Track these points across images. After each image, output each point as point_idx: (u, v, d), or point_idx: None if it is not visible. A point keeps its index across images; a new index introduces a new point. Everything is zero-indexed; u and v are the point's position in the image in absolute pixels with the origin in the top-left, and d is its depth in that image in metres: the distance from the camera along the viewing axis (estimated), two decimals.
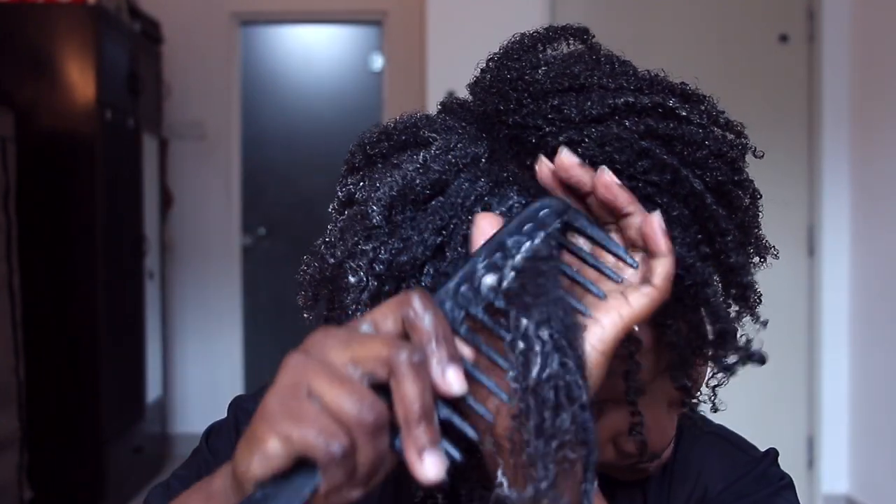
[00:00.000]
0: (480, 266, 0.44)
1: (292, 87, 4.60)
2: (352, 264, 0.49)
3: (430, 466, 0.38)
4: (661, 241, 0.45)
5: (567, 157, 0.46)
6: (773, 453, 0.69)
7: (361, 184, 0.53)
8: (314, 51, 4.65)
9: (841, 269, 3.03)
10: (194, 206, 4.27)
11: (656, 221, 0.45)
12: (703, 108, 0.52)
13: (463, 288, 0.43)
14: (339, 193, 0.55)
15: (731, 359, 0.52)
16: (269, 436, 0.38)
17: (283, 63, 4.62)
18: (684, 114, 0.51)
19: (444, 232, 0.48)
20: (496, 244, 0.44)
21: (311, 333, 0.42)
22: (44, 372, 2.96)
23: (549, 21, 2.77)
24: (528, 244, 0.44)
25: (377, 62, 4.52)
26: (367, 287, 0.48)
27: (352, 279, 0.49)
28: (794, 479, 0.68)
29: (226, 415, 0.70)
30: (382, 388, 0.39)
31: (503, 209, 0.48)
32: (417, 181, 0.49)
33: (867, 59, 2.95)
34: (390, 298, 0.42)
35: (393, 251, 0.48)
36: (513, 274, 0.43)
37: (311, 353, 0.40)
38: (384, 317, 0.41)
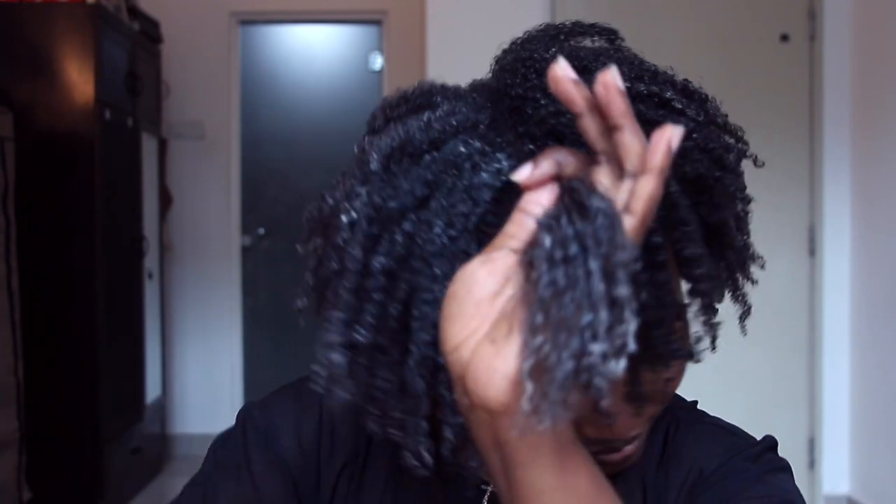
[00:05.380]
0: None
1: (292, 86, 4.59)
2: (346, 205, 0.52)
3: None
4: (656, 156, 0.40)
5: (561, 68, 0.42)
6: (770, 440, 0.69)
7: (373, 140, 0.57)
8: (314, 51, 4.64)
9: (841, 269, 3.02)
10: (194, 206, 4.27)
11: (668, 133, 0.40)
12: (702, 106, 0.53)
13: None
14: (355, 151, 0.58)
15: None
16: None
17: (283, 63, 4.62)
18: (679, 106, 0.52)
19: (431, 185, 0.51)
20: None
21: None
22: (43, 372, 2.95)
23: (549, 21, 2.76)
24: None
25: (377, 62, 4.52)
26: (357, 225, 0.51)
27: (343, 218, 0.51)
28: (794, 479, 0.67)
29: (234, 422, 0.71)
30: None
31: (491, 169, 0.51)
32: (417, 136, 0.52)
33: (867, 58, 2.95)
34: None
35: (384, 196, 0.51)
36: None
37: None
38: None
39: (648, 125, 0.49)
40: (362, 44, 4.61)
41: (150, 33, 3.76)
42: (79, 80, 3.05)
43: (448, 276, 0.48)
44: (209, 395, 4.23)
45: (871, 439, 2.92)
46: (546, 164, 0.45)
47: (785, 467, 0.66)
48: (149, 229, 3.66)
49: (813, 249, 3.05)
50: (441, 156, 0.52)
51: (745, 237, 0.58)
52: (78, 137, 3.06)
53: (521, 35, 0.60)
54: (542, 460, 0.42)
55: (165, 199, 4.00)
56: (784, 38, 3.05)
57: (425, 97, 0.56)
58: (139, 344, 3.57)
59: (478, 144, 0.52)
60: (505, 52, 0.59)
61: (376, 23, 4.49)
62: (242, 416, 0.70)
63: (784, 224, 3.01)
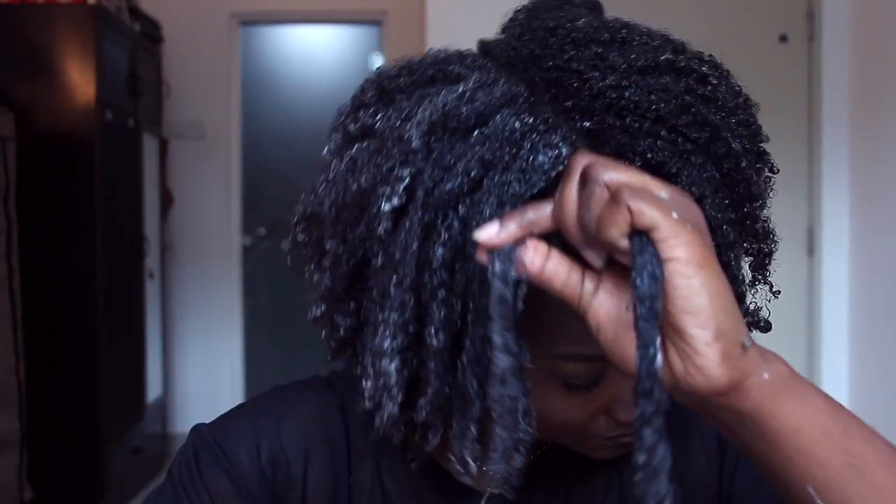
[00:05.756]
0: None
1: (292, 87, 4.60)
2: (385, 189, 0.47)
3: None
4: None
5: (484, 236, 0.44)
6: None
7: (381, 114, 0.51)
8: (314, 51, 4.65)
9: (840, 269, 3.03)
10: (194, 206, 4.27)
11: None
12: (728, 81, 0.54)
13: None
14: (351, 127, 0.53)
15: None
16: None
17: (283, 63, 4.62)
18: (715, 82, 0.52)
19: (487, 165, 0.46)
20: None
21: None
22: (44, 372, 2.96)
23: None
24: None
25: (377, 62, 4.53)
26: (409, 213, 0.46)
27: (385, 206, 0.46)
28: None
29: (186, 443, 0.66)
30: None
31: (550, 154, 0.46)
32: (463, 109, 0.47)
33: (867, 59, 2.95)
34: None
35: (434, 179, 0.46)
36: None
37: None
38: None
39: (699, 99, 0.50)
40: (362, 44, 4.61)
41: (150, 34, 3.77)
42: (80, 80, 3.06)
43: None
44: (210, 394, 4.24)
45: None
46: (513, 226, 0.44)
47: None
48: (149, 229, 3.67)
49: (812, 249, 3.06)
50: (492, 131, 0.47)
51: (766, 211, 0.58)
52: (79, 137, 3.06)
53: (524, 5, 0.57)
54: (780, 403, 0.43)
55: (166, 199, 4.01)
56: (783, 38, 3.05)
57: (439, 67, 0.52)
58: (140, 344, 3.58)
59: (530, 120, 0.47)
60: (512, 20, 0.56)
61: (376, 23, 4.49)
62: (193, 440, 0.65)
63: (783, 224, 2.97)
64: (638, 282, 0.40)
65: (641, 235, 0.41)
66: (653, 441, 0.41)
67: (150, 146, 3.72)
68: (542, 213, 0.45)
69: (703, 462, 0.67)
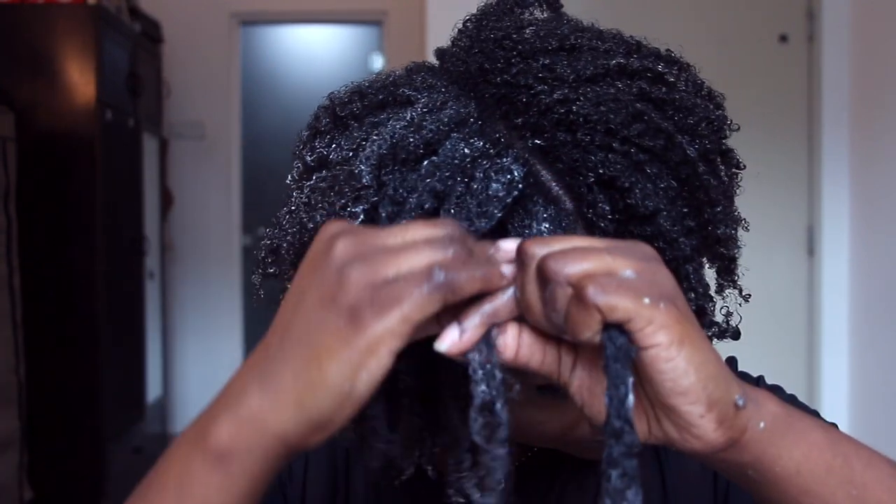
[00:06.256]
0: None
1: (292, 87, 4.60)
2: None
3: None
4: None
5: (447, 344, 0.41)
6: (730, 358, 0.67)
7: (334, 145, 0.50)
8: (314, 51, 4.65)
9: (840, 269, 3.03)
10: (194, 206, 4.27)
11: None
12: (687, 75, 0.52)
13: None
14: (308, 158, 0.52)
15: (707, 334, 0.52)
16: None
17: (283, 63, 4.62)
18: (672, 80, 0.50)
19: (440, 196, 0.45)
20: None
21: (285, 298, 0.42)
22: (44, 372, 2.96)
23: None
24: None
25: (377, 62, 4.53)
26: None
27: None
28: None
29: None
30: None
31: (502, 180, 0.45)
32: (410, 139, 0.46)
33: (867, 59, 2.95)
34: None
35: (389, 214, 0.46)
36: None
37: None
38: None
39: (651, 104, 0.48)
40: (362, 44, 4.62)
41: (151, 34, 3.77)
42: (80, 80, 3.06)
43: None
44: (210, 394, 4.18)
45: (869, 439, 2.91)
46: (473, 324, 0.41)
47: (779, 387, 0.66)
48: (150, 229, 3.67)
49: (812, 249, 3.06)
50: (442, 160, 0.46)
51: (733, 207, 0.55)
52: (79, 137, 3.06)
53: (472, 12, 0.55)
54: (779, 448, 0.43)
55: (166, 199, 4.01)
56: (783, 38, 3.05)
57: (388, 91, 0.51)
58: (140, 343, 3.58)
59: (479, 143, 0.46)
60: (461, 32, 0.54)
61: (376, 23, 4.49)
62: None
63: (783, 224, 3.01)
64: (611, 371, 0.38)
65: (613, 329, 0.38)
66: (620, 486, 0.37)
67: (150, 146, 3.72)
68: (499, 304, 0.41)
69: (697, 467, 0.66)
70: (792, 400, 0.64)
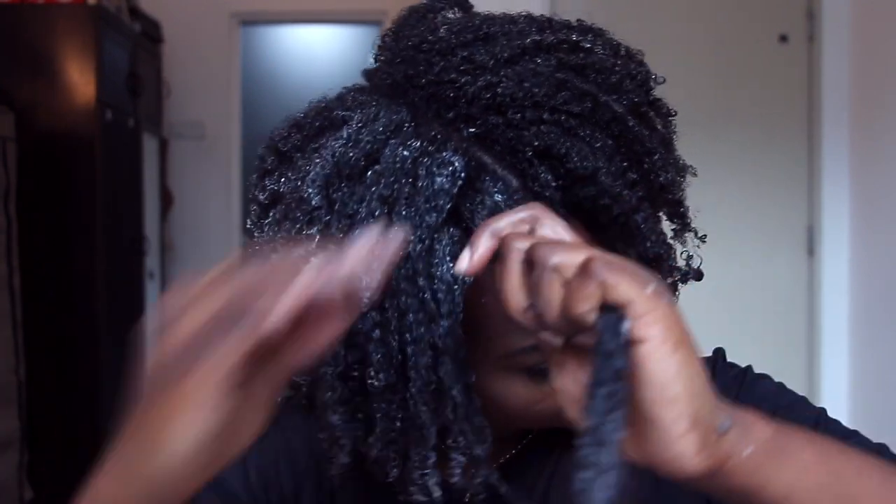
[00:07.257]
0: None
1: (292, 87, 4.60)
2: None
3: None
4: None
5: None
6: (720, 350, 0.67)
7: (283, 179, 0.52)
8: (314, 51, 4.65)
9: (840, 268, 3.03)
10: (194, 206, 4.27)
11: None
12: (603, 40, 0.54)
13: None
14: (261, 198, 0.55)
15: (670, 279, 0.54)
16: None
17: (283, 63, 4.63)
18: (588, 45, 0.52)
19: (388, 201, 0.47)
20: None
21: None
22: (44, 372, 2.96)
23: None
24: None
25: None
26: None
27: None
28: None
29: None
30: None
31: (445, 172, 0.47)
32: (350, 154, 0.48)
33: (867, 59, 2.96)
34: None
35: (342, 229, 0.47)
36: None
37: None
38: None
39: (572, 72, 0.50)
40: (362, 44, 4.61)
41: (151, 34, 3.77)
42: (80, 80, 3.06)
43: (430, 289, 0.46)
44: None
45: (870, 439, 2.92)
46: (483, 243, 0.42)
47: (765, 374, 0.67)
48: (150, 229, 3.67)
49: (812, 249, 3.06)
50: (384, 167, 0.47)
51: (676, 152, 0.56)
52: (79, 137, 3.06)
53: (388, 27, 0.57)
54: (767, 474, 0.41)
55: (166, 199, 4.01)
56: (783, 38, 3.05)
57: (323, 117, 0.53)
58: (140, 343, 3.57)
59: (417, 144, 0.48)
60: (381, 47, 0.56)
61: (376, 23, 4.49)
62: None
63: (783, 223, 3.01)
64: (599, 365, 0.37)
65: (609, 313, 0.37)
66: (605, 406, 0.36)
67: (150, 146, 3.72)
68: (502, 220, 0.43)
69: None
70: (780, 389, 0.64)
